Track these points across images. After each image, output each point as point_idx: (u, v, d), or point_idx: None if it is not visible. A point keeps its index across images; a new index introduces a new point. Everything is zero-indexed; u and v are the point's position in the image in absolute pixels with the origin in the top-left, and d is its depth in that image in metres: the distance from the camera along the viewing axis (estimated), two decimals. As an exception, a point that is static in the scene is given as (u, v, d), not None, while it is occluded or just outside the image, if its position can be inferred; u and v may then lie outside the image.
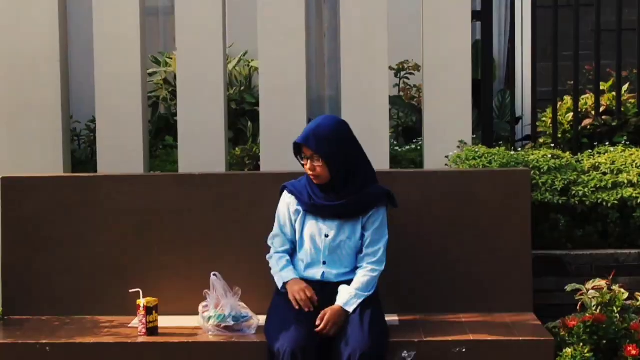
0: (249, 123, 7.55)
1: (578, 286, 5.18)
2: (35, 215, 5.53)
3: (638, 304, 5.20)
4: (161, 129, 7.86)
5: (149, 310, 5.00)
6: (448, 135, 6.21)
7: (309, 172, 4.92)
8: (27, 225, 5.54)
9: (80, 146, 7.74)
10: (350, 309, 4.78)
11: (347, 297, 4.80)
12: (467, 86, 6.24)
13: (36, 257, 5.51)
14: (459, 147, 6.14)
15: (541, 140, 6.59)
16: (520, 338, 4.85)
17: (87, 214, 5.51)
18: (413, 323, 5.18)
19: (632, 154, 5.94)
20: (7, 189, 5.53)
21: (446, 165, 6.07)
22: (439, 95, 6.25)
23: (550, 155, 5.91)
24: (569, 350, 4.82)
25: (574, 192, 5.76)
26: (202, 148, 6.26)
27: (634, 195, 5.69)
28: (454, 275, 5.42)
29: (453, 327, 5.08)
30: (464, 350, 4.81)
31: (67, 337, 4.99)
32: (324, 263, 4.94)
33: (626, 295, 5.15)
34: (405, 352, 4.81)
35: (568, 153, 6.07)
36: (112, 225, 5.51)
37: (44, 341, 4.93)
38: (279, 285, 4.96)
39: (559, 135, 6.54)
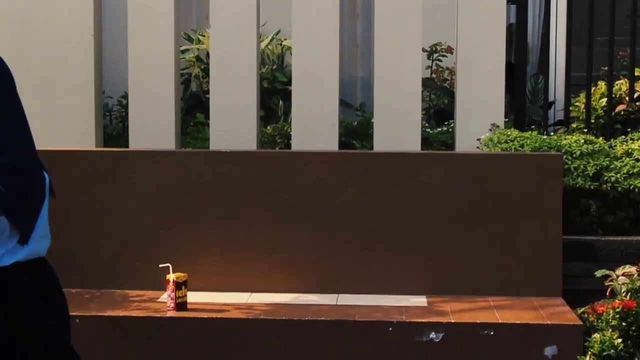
0: (280, 102, 7.54)
1: (608, 272, 5.16)
2: (67, 189, 5.55)
3: (668, 291, 5.18)
4: (192, 106, 7.86)
5: (178, 286, 5.03)
6: (480, 118, 6.18)
7: None
8: (59, 197, 5.53)
9: (112, 122, 7.76)
10: None
11: None
12: (500, 69, 6.21)
13: (67, 231, 5.54)
14: (491, 130, 6.11)
15: (574, 125, 6.55)
16: (549, 322, 4.85)
17: (119, 188, 5.54)
18: (441, 305, 5.17)
19: (665, 141, 5.91)
20: (40, 162, 5.55)
21: (477, 148, 6.05)
22: (472, 78, 6.22)
23: (582, 140, 5.87)
24: (597, 336, 4.79)
25: (605, 178, 5.73)
26: (233, 126, 6.27)
27: (667, 182, 5.66)
28: (483, 258, 5.41)
29: (481, 310, 5.08)
30: (491, 333, 4.81)
31: (97, 310, 5.03)
32: None
33: (656, 282, 5.12)
34: (433, 333, 4.82)
35: (601, 138, 6.03)
36: (143, 201, 5.53)
37: (74, 313, 4.93)
38: None
39: (592, 121, 6.50)
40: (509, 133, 5.94)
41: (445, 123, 7.26)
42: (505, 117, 6.35)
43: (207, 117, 6.84)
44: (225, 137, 6.24)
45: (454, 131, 6.35)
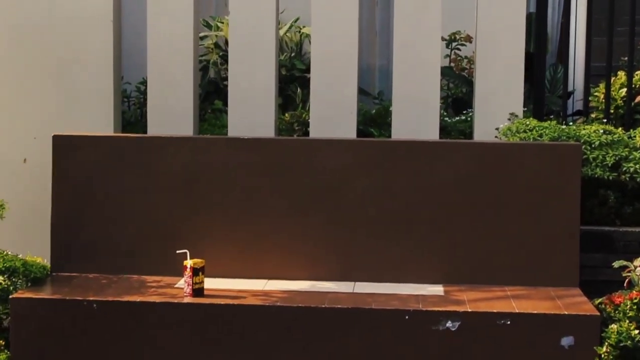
0: (299, 89, 7.54)
1: (626, 263, 5.14)
2: (86, 174, 5.58)
3: (686, 282, 5.16)
4: (210, 92, 7.87)
5: (195, 272, 5.03)
6: (499, 107, 6.17)
7: None
8: (77, 183, 5.59)
9: (130, 107, 7.77)
10: None
11: None
12: (519, 58, 6.20)
13: (85, 216, 5.55)
14: (509, 119, 6.10)
15: (593, 116, 6.53)
16: (566, 312, 4.83)
17: (137, 174, 5.55)
18: (458, 294, 5.17)
19: (685, 132, 5.88)
20: (58, 147, 5.57)
21: (496, 137, 6.04)
22: (491, 67, 6.21)
23: (602, 131, 5.85)
24: (614, 327, 4.78)
25: (624, 169, 5.70)
26: (251, 112, 6.27)
27: (686, 173, 5.64)
28: (500, 247, 5.40)
29: (498, 300, 5.07)
30: (508, 322, 4.80)
31: (114, 295, 5.04)
32: None
33: (674, 273, 5.11)
34: (450, 322, 4.81)
35: (620, 129, 6.01)
36: (161, 186, 5.54)
37: (91, 298, 4.98)
38: None
39: (612, 111, 6.47)
40: (527, 122, 5.93)
41: (464, 112, 7.25)
42: (524, 107, 6.33)
43: (225, 104, 6.84)
44: (243, 124, 6.24)
45: (473, 120, 6.34)
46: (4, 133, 6.37)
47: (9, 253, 5.42)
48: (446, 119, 6.99)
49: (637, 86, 6.58)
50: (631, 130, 6.09)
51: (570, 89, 7.97)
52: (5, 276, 5.18)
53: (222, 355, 4.91)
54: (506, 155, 5.45)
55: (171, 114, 6.33)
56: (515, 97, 6.19)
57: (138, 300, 4.97)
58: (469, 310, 4.85)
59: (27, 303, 4.99)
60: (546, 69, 7.68)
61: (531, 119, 6.07)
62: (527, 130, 5.84)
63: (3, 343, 5.02)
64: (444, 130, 6.61)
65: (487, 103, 6.21)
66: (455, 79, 7.97)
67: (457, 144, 5.70)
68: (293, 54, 8.12)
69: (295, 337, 4.88)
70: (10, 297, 5.02)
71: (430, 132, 6.09)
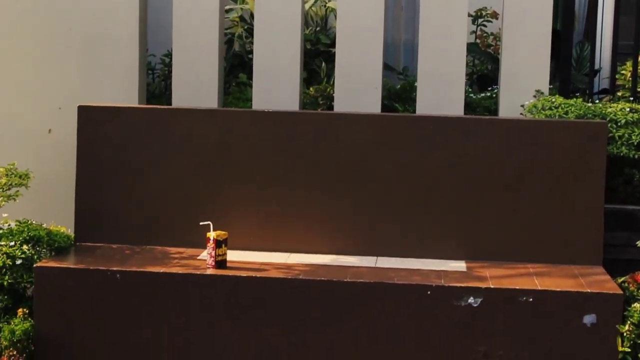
0: (323, 64, 7.52)
1: (650, 242, 5.13)
2: (110, 145, 5.59)
3: None
4: (235, 66, 7.86)
5: (218, 244, 5.05)
6: (525, 84, 6.14)
7: None
8: (101, 154, 5.60)
9: (154, 80, 7.77)
10: None
11: None
12: (546, 36, 6.15)
13: (109, 186, 5.57)
14: (535, 96, 6.07)
15: (619, 94, 6.49)
16: (589, 290, 4.82)
17: (161, 145, 5.56)
18: (480, 270, 5.16)
19: None
20: (83, 118, 5.59)
21: (521, 114, 6.01)
22: (518, 44, 6.17)
23: (628, 109, 5.81)
24: (637, 305, 4.77)
25: (650, 147, 5.68)
26: (276, 86, 6.26)
27: None
28: (524, 224, 5.38)
29: (520, 277, 5.06)
30: (530, 299, 4.79)
31: (138, 266, 5.06)
32: None
33: (698, 252, 5.09)
34: (472, 298, 4.81)
35: (646, 107, 5.98)
36: (185, 158, 5.55)
37: (114, 268, 5.00)
38: None
39: (638, 89, 6.42)
40: (553, 100, 5.90)
41: (489, 89, 7.22)
42: (550, 84, 6.29)
43: (250, 77, 6.84)
44: (267, 97, 6.24)
45: (498, 97, 6.31)
46: (29, 103, 6.39)
47: (33, 222, 5.45)
48: (471, 95, 6.96)
49: (665, 65, 6.53)
50: (658, 109, 6.05)
51: (596, 67, 7.93)
52: (29, 245, 5.22)
53: (244, 327, 4.92)
54: (531, 132, 5.42)
55: (196, 86, 6.33)
56: (541, 74, 6.16)
57: (161, 271, 4.99)
58: (491, 286, 4.84)
59: (51, 272, 5.02)
60: (573, 47, 7.63)
61: (557, 96, 6.04)
62: (553, 108, 5.81)
63: (27, 311, 5.06)
64: (468, 106, 6.58)
65: (513, 80, 6.18)
66: (481, 55, 7.94)
67: (482, 120, 5.67)
68: (318, 29, 8.10)
69: (317, 311, 4.89)
70: (34, 266, 5.05)
71: (455, 108, 6.07)
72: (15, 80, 6.41)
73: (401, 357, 4.86)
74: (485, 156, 5.40)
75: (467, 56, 6.33)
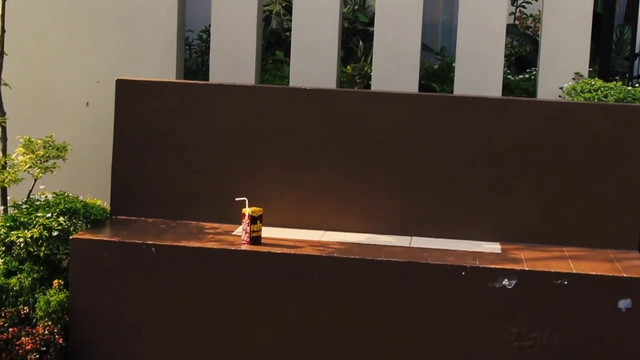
0: (360, 42, 7.51)
1: (687, 228, 5.09)
2: (148, 119, 5.61)
3: None
4: (272, 43, 7.86)
5: (253, 220, 5.05)
6: (564, 66, 6.10)
7: None
8: (138, 127, 5.62)
9: (192, 55, 7.79)
10: None
11: None
12: (587, 18, 6.11)
13: (145, 160, 5.59)
14: (574, 79, 6.03)
15: (659, 78, 6.44)
16: (624, 275, 4.78)
17: (198, 121, 5.57)
18: (515, 252, 5.14)
19: None
20: (121, 91, 5.60)
21: (560, 96, 5.98)
22: (558, 26, 6.13)
23: (668, 93, 5.77)
24: (673, 291, 4.75)
25: (690, 133, 5.61)
26: (314, 64, 6.26)
27: None
28: (560, 207, 5.35)
29: (555, 260, 5.03)
30: (565, 282, 4.77)
31: (173, 240, 5.08)
32: None
33: None
34: (506, 280, 4.79)
35: (686, 92, 5.92)
36: (221, 134, 5.56)
37: (150, 242, 5.02)
38: None
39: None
40: (592, 83, 5.85)
41: (527, 70, 7.18)
42: (589, 67, 6.25)
43: (286, 55, 6.83)
44: (305, 75, 6.23)
45: (536, 79, 6.27)
46: (67, 77, 6.42)
47: (70, 195, 5.48)
48: (509, 76, 6.93)
49: None
50: (698, 93, 5.99)
51: (637, 50, 7.86)
52: (65, 217, 5.25)
53: (277, 303, 4.93)
54: (570, 115, 5.38)
55: (233, 63, 6.34)
56: (580, 56, 6.12)
57: (196, 245, 5.01)
58: (526, 268, 4.82)
59: (87, 244, 5.05)
60: (613, 30, 7.57)
61: (596, 79, 6.00)
62: (592, 91, 5.76)
63: (62, 283, 5.09)
64: (506, 88, 6.56)
65: (552, 62, 6.14)
66: (520, 37, 7.89)
67: (520, 101, 5.63)
68: (356, 7, 8.08)
69: (350, 289, 4.89)
70: (70, 237, 5.08)
71: (493, 89, 6.04)
72: (54, 54, 6.44)
73: (434, 337, 4.85)
74: (522, 138, 5.36)
75: (505, 37, 6.30)
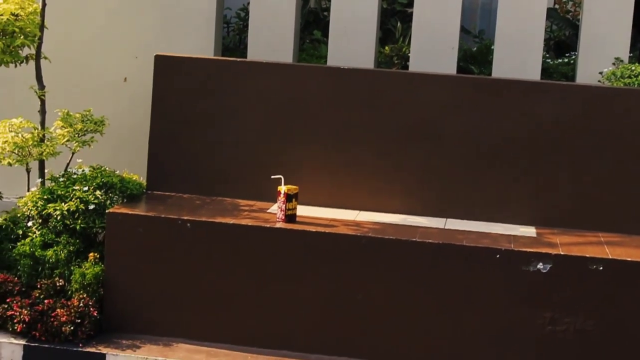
0: (399, 23, 7.48)
1: None
2: (185, 95, 5.62)
3: None
4: (310, 22, 7.85)
5: (289, 198, 5.06)
6: (604, 51, 6.06)
7: None
8: (176, 103, 5.63)
9: (229, 33, 7.79)
10: None
11: None
12: (629, 3, 6.06)
13: (182, 137, 5.61)
14: (614, 64, 5.98)
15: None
16: (661, 262, 4.76)
17: (235, 98, 5.57)
18: (550, 237, 5.12)
19: None
20: (160, 67, 5.61)
21: (599, 81, 5.93)
22: (599, 11, 6.08)
23: None
24: None
25: None
26: (352, 44, 6.24)
27: None
28: (596, 193, 5.32)
29: (591, 245, 5.01)
30: (600, 268, 4.74)
31: (208, 216, 5.09)
32: None
33: None
34: (541, 263, 4.77)
35: None
36: (258, 112, 5.56)
37: (185, 217, 5.04)
38: None
39: None
40: (632, 68, 5.80)
41: (566, 55, 7.13)
42: (630, 53, 6.19)
43: (324, 34, 6.82)
44: (343, 55, 6.22)
45: (576, 63, 6.23)
46: (105, 52, 6.44)
47: (107, 169, 5.51)
48: (548, 60, 6.89)
49: None
50: None
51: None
52: (102, 191, 5.27)
53: (311, 281, 4.94)
54: (609, 99, 5.34)
55: (271, 41, 6.33)
56: (621, 42, 6.07)
57: (231, 222, 5.02)
58: (562, 253, 4.80)
59: (123, 218, 5.08)
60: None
61: (637, 64, 5.94)
62: (632, 76, 5.72)
63: (97, 256, 5.13)
64: (545, 72, 6.52)
65: (592, 47, 6.09)
66: (559, 21, 7.84)
67: (560, 85, 5.59)
68: (395, -12, 8.06)
69: (384, 269, 4.89)
70: (107, 211, 5.11)
71: (532, 72, 6.01)
72: (93, 30, 6.46)
73: (466, 319, 4.85)
74: (560, 122, 5.33)
75: (545, 21, 6.26)
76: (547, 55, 7.25)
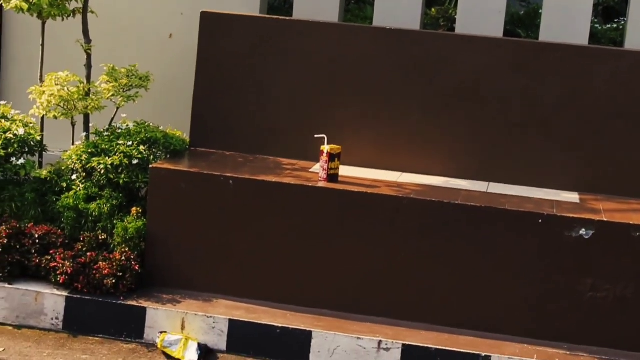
0: (446, -15, 7.43)
1: None
2: (231, 53, 5.62)
3: None
4: (356, -17, 7.82)
5: (331, 157, 5.05)
6: (654, 16, 5.98)
7: None
8: (221, 61, 5.63)
9: (275, -8, 7.77)
10: None
11: None
12: (681, -32, 5.98)
13: (227, 94, 5.61)
14: (663, 30, 5.91)
15: None
16: None
17: (281, 57, 5.56)
18: (593, 203, 5.09)
19: None
20: (206, 24, 5.61)
21: (648, 47, 5.86)
22: (650, -25, 6.00)
23: None
24: None
25: None
26: (398, 5, 6.19)
27: None
28: (642, 160, 5.29)
29: (634, 212, 4.97)
30: (644, 235, 4.72)
31: (250, 174, 5.10)
32: None
33: None
34: (583, 229, 4.74)
35: None
36: (303, 71, 5.55)
37: (228, 174, 5.05)
38: None
39: None
40: (682, 34, 5.73)
41: (615, 20, 7.04)
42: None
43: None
44: (389, 16, 6.17)
45: (625, 29, 6.15)
46: (151, 8, 6.44)
47: (151, 124, 5.54)
48: (596, 26, 6.81)
49: None
50: None
51: None
52: (146, 146, 5.30)
53: (351, 241, 4.94)
54: (658, 66, 5.28)
55: (317, 1, 6.29)
56: (672, 7, 5.99)
57: (273, 180, 5.03)
58: (605, 219, 4.77)
59: (166, 174, 5.10)
60: None
61: (687, 30, 5.88)
62: (682, 43, 5.65)
63: (140, 210, 5.16)
64: (593, 37, 6.44)
65: (642, 12, 6.02)
66: (609, -14, 7.75)
67: (608, 50, 5.53)
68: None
69: (425, 231, 4.88)
70: (150, 166, 5.13)
71: (579, 37, 5.93)
72: (140, -16, 6.47)
73: (506, 283, 4.83)
74: (608, 88, 5.27)
75: (594, -14, 6.19)
76: (596, 20, 7.17)
